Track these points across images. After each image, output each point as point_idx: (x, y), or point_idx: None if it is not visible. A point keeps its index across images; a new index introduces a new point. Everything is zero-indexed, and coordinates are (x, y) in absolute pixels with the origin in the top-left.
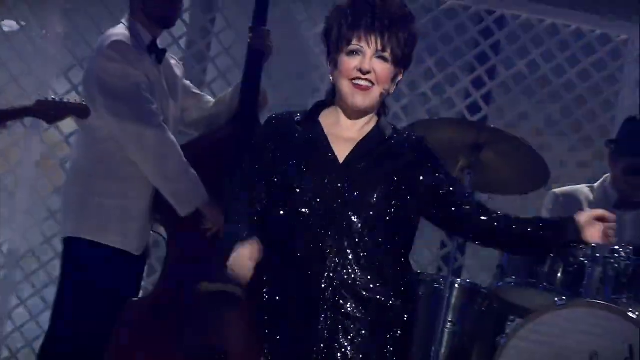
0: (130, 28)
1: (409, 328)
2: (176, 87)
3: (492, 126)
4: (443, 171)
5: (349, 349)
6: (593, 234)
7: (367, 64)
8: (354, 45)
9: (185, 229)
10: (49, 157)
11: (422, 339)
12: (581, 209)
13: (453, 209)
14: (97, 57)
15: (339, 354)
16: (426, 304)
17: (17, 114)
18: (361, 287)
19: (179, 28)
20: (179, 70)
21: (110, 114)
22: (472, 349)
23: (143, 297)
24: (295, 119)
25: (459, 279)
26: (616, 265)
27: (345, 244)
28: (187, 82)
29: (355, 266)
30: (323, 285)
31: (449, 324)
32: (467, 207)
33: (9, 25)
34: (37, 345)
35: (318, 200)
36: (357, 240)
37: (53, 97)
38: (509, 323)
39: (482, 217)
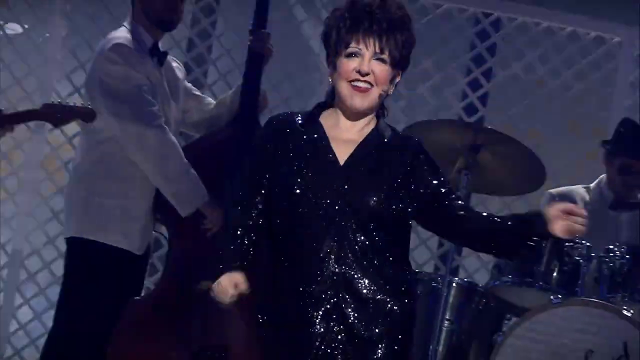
0: (132, 31)
1: (409, 328)
2: (177, 89)
3: (489, 127)
4: (440, 175)
5: (349, 349)
6: (558, 227)
7: (365, 66)
8: (353, 47)
9: (186, 228)
10: (53, 158)
11: (420, 337)
12: None
13: (447, 212)
14: (99, 60)
15: (339, 354)
16: (424, 303)
17: (24, 117)
18: (361, 287)
19: (180, 31)
20: (180, 73)
21: (111, 116)
22: (470, 347)
23: (145, 296)
24: (296, 119)
25: (456, 278)
26: (611, 264)
27: (345, 244)
28: (188, 84)
29: (355, 266)
30: (323, 286)
31: (446, 322)
32: (462, 211)
33: (12, 28)
34: (41, 343)
35: (318, 201)
36: (356, 240)
37: (59, 100)
38: (506, 321)
39: (473, 220)
